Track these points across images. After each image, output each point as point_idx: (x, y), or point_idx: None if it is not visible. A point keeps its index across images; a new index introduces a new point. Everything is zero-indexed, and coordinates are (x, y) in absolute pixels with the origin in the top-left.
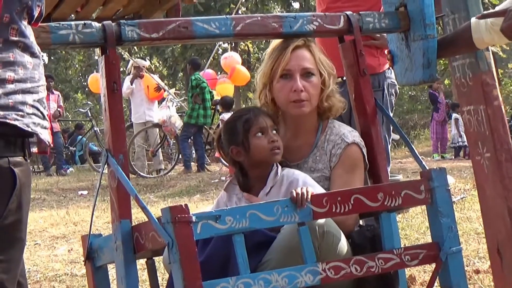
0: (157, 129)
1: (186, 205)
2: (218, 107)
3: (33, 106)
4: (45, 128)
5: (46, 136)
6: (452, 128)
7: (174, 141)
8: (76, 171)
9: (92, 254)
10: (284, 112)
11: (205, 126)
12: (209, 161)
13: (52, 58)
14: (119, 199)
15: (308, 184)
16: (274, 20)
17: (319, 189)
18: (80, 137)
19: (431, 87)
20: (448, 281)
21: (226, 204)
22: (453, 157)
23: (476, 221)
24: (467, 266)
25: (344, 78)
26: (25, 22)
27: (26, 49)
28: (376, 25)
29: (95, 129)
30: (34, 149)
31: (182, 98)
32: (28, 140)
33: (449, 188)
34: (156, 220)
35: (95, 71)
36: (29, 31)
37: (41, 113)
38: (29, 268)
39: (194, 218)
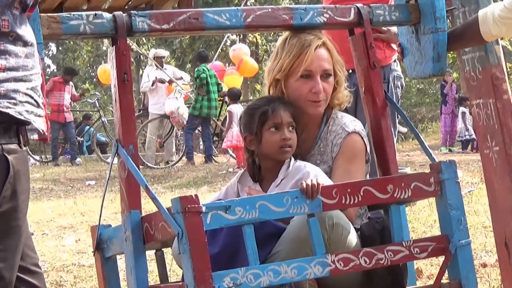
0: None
1: (196, 195)
2: (226, 99)
3: (26, 94)
4: (39, 116)
5: (40, 124)
6: (459, 122)
7: (182, 132)
8: (84, 161)
9: (102, 245)
10: (296, 106)
11: (213, 118)
12: (216, 152)
13: (60, 48)
14: (129, 190)
15: (319, 178)
16: (285, 12)
17: (329, 183)
18: (88, 127)
19: (444, 80)
20: (457, 274)
21: (236, 194)
22: (461, 150)
23: (483, 215)
24: (474, 259)
25: (350, 70)
26: (16, 12)
27: (19, 38)
28: (387, 17)
29: (103, 119)
30: (35, 136)
31: (190, 90)
32: (25, 127)
33: (459, 180)
34: (166, 211)
35: (103, 62)
36: (21, 20)
37: (35, 101)
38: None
39: (204, 209)
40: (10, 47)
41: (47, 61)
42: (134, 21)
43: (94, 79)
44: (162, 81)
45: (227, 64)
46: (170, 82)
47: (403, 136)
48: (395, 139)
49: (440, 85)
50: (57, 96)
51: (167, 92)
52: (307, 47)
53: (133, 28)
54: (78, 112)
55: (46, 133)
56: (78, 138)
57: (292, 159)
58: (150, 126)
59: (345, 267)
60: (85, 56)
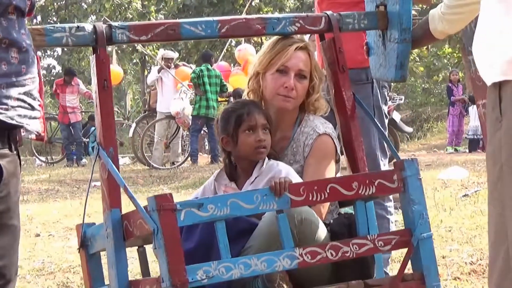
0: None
1: (170, 194)
2: (232, 99)
3: (18, 99)
4: (34, 118)
5: (35, 126)
6: (473, 120)
7: (188, 133)
8: (89, 162)
9: (86, 242)
10: (268, 103)
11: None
12: None
13: (65, 49)
14: (109, 190)
15: (290, 176)
16: (258, 22)
17: (299, 181)
18: (94, 128)
19: (450, 80)
20: (419, 265)
21: (213, 192)
22: (467, 150)
23: None
24: (481, 260)
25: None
26: (13, 17)
27: (12, 45)
28: (355, 25)
29: None
30: (32, 136)
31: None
32: (16, 132)
33: (421, 177)
34: (143, 209)
35: None
36: (19, 25)
37: (29, 104)
38: (43, 260)
39: (178, 206)
40: (2, 54)
41: (52, 62)
42: (114, 33)
43: None
44: (168, 66)
45: (232, 65)
46: (177, 66)
47: (408, 136)
48: (386, 161)
49: (447, 87)
50: (61, 98)
51: (175, 91)
52: (288, 46)
53: (113, 39)
54: (83, 113)
55: (42, 134)
56: (84, 139)
57: (266, 158)
58: (157, 127)
59: (313, 260)
60: (90, 57)
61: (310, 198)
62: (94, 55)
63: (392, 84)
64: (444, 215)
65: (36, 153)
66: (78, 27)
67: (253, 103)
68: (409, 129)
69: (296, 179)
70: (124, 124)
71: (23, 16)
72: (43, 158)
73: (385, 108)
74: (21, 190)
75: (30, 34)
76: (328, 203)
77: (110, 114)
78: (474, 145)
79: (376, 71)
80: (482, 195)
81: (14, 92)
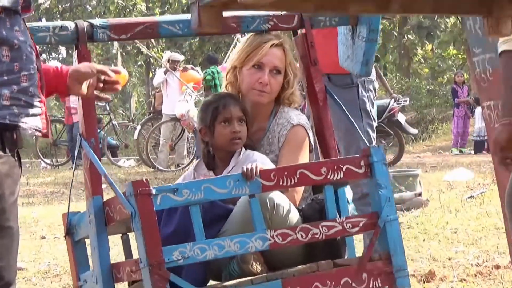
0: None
1: (147, 179)
2: None
3: (12, 97)
4: (32, 115)
5: (34, 122)
6: (478, 121)
7: (193, 135)
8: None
9: (71, 230)
10: (244, 96)
11: None
12: None
13: (70, 51)
14: (91, 178)
15: (265, 165)
16: (234, 21)
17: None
18: (99, 130)
19: (455, 82)
20: (386, 246)
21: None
22: (472, 151)
23: (495, 216)
24: (487, 261)
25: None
26: (1, 15)
27: (2, 43)
28: (327, 23)
29: (113, 123)
30: (38, 134)
31: (201, 92)
32: (11, 132)
33: (387, 162)
34: (121, 194)
35: (112, 65)
36: (5, 24)
37: (25, 102)
38: (49, 262)
39: (154, 191)
40: None
41: (57, 64)
42: (95, 32)
43: None
44: (174, 68)
45: None
46: (185, 69)
47: (413, 138)
48: (374, 142)
49: (452, 88)
50: (65, 99)
51: (180, 93)
52: (265, 42)
53: (94, 37)
54: None
55: (44, 131)
56: None
57: (243, 148)
58: (162, 129)
59: (283, 241)
60: (95, 59)
61: (281, 183)
62: (76, 51)
63: (377, 87)
64: (449, 217)
65: (41, 156)
66: (61, 26)
67: (230, 96)
68: (414, 130)
69: (270, 167)
70: (129, 126)
71: (17, 14)
72: (48, 161)
73: (373, 111)
74: (19, 191)
75: (26, 30)
76: (302, 190)
77: (91, 106)
78: (479, 146)
79: (344, 61)
80: (488, 197)
81: (6, 91)
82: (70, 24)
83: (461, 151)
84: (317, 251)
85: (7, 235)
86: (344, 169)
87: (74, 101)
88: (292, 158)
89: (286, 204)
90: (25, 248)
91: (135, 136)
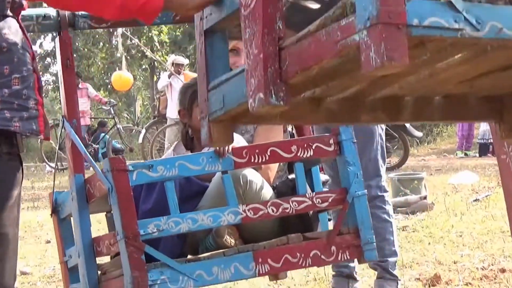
0: None
1: (123, 157)
2: None
3: (2, 101)
4: (28, 118)
5: (28, 126)
6: (483, 124)
7: None
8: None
9: (57, 208)
10: None
11: None
12: None
13: (74, 55)
14: (73, 157)
15: (238, 144)
16: None
17: None
18: (103, 134)
19: None
20: (354, 220)
21: None
22: (477, 154)
23: (501, 219)
24: (492, 265)
25: None
26: None
27: None
28: None
29: (118, 126)
30: (41, 136)
31: None
32: (5, 136)
33: (355, 141)
34: (100, 170)
35: (117, 69)
36: (2, 24)
37: (18, 105)
38: (54, 266)
39: (130, 167)
40: None
41: None
42: (77, 21)
43: (109, 86)
44: (179, 72)
45: None
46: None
47: (418, 141)
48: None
49: None
50: None
51: None
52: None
53: (75, 25)
54: (93, 119)
55: (40, 135)
56: (94, 145)
57: None
58: (167, 133)
59: (255, 215)
60: (99, 63)
61: (253, 160)
62: (58, 37)
63: None
64: (455, 220)
65: (46, 160)
66: (44, 15)
67: None
68: (419, 133)
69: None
70: (134, 130)
71: (7, 17)
72: (52, 164)
73: None
74: (19, 194)
75: (19, 31)
76: (275, 168)
77: (73, 89)
78: (484, 149)
79: None
80: (493, 200)
81: None
82: (53, 12)
83: (466, 154)
84: (290, 226)
85: (2, 243)
86: (313, 147)
87: (80, 105)
88: (266, 138)
89: (259, 180)
90: (30, 253)
91: (140, 140)
